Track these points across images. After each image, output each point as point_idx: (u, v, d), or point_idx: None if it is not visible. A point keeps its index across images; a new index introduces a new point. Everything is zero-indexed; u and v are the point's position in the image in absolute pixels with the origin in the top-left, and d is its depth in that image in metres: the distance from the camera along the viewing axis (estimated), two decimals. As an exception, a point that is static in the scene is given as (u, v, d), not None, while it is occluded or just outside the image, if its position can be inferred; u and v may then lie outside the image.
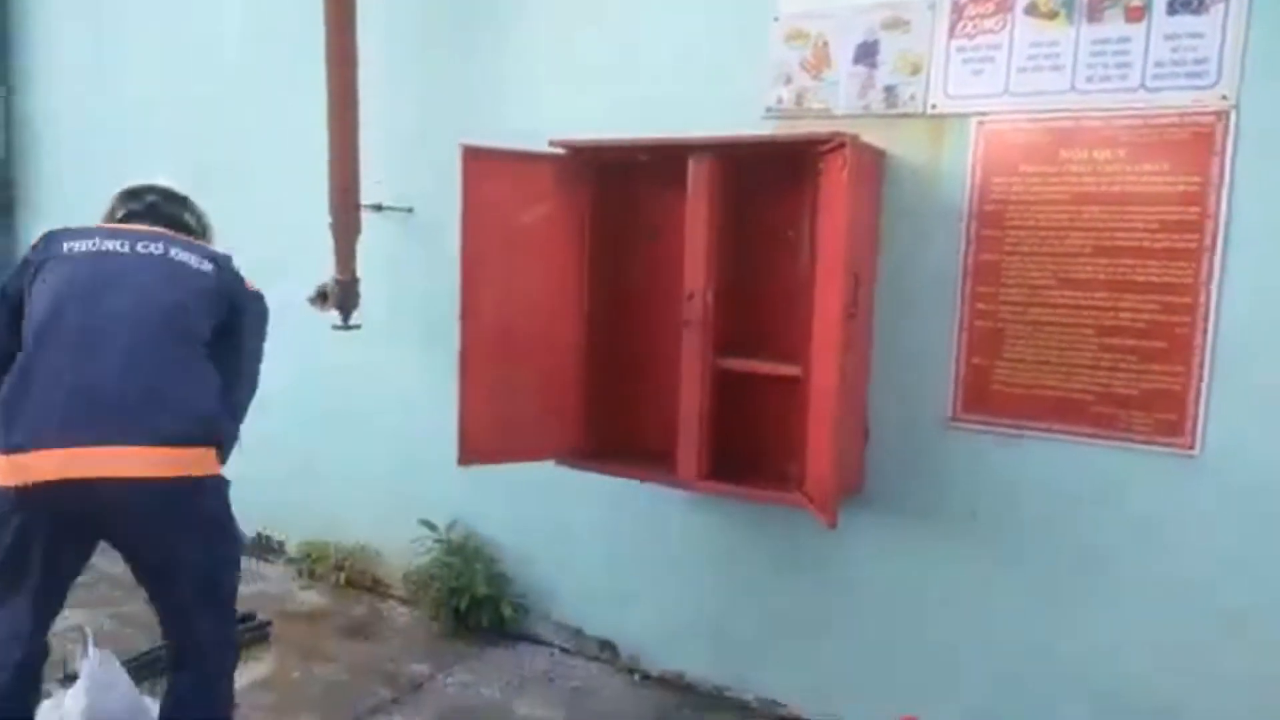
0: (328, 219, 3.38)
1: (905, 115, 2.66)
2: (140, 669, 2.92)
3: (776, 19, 2.82)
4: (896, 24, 2.66)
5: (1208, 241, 2.34)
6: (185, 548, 2.14)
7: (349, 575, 3.83)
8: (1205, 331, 2.36)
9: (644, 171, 2.94)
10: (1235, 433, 2.35)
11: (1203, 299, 2.35)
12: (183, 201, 2.52)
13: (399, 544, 3.66)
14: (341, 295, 3.42)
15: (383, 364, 3.72)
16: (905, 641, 2.80)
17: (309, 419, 3.98)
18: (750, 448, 2.90)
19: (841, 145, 2.35)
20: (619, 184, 2.99)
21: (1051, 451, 2.56)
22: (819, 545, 2.86)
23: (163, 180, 2.57)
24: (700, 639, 3.14)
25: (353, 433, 3.85)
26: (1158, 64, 2.37)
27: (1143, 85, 2.38)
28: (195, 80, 4.15)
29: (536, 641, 3.44)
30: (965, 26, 2.57)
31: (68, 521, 2.08)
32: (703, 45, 2.94)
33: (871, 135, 2.61)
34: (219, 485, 2.20)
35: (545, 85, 3.23)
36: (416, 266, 3.55)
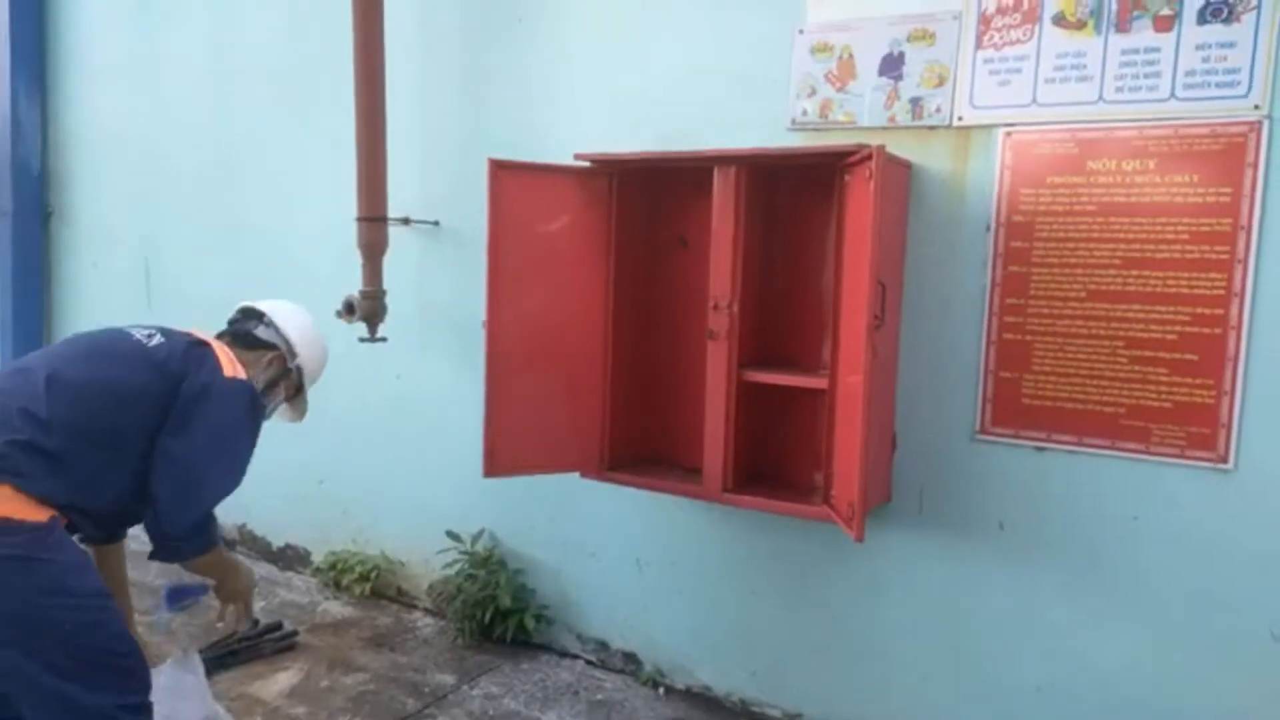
0: (355, 231, 3.41)
1: (931, 127, 2.65)
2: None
3: (802, 31, 2.82)
4: (922, 36, 2.65)
5: (1240, 253, 2.31)
6: None
7: (374, 586, 3.85)
8: (1237, 344, 2.33)
9: (670, 184, 2.95)
10: (1271, 447, 2.31)
11: (1234, 311, 2.32)
12: (258, 317, 2.50)
13: (424, 555, 3.68)
14: (368, 307, 3.45)
15: (409, 376, 3.75)
16: (933, 653, 2.77)
17: (335, 431, 4.01)
18: (777, 459, 2.90)
19: (868, 157, 2.35)
20: (645, 196, 3.00)
21: (1081, 465, 2.53)
22: (846, 557, 2.85)
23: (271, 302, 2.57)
24: (726, 652, 3.13)
25: (379, 445, 3.88)
26: (1188, 74, 2.35)
27: (1173, 95, 2.37)
28: (230, 96, 4.22)
29: (561, 654, 3.44)
30: (992, 37, 2.57)
31: None
32: (728, 58, 2.95)
33: (897, 147, 2.61)
34: None
35: (571, 99, 3.26)
36: (443, 279, 3.58)
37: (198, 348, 2.24)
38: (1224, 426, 2.35)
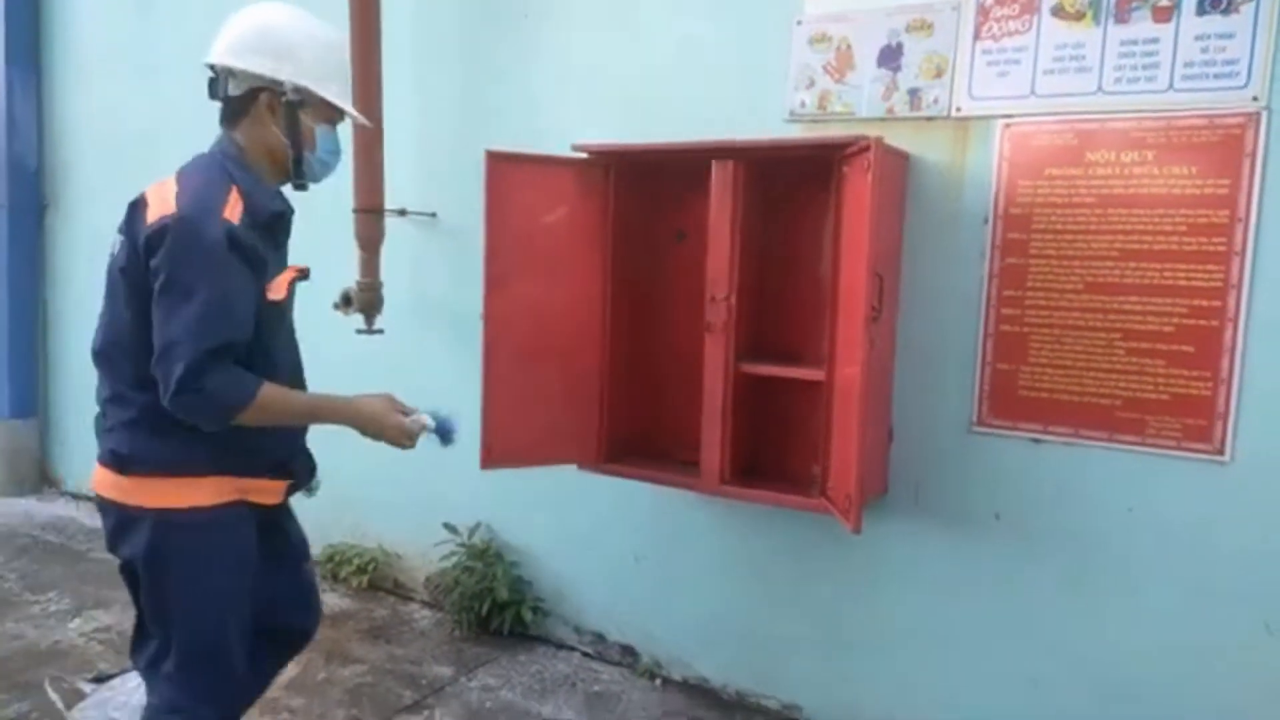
0: (351, 223, 3.41)
1: (929, 118, 2.65)
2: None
3: (800, 22, 2.82)
4: (920, 26, 2.65)
5: (1237, 245, 2.31)
6: None
7: (372, 578, 3.85)
8: (1234, 336, 2.33)
9: (667, 175, 2.95)
10: (1267, 439, 2.32)
11: (1232, 303, 2.32)
12: (222, 74, 1.98)
13: (422, 547, 3.68)
14: (365, 299, 3.44)
15: (406, 368, 3.74)
16: (929, 645, 2.78)
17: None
18: (774, 451, 2.90)
19: (866, 149, 2.34)
20: (642, 188, 3.00)
21: (1078, 457, 2.53)
22: (843, 548, 2.85)
23: (223, 32, 2.02)
24: (723, 643, 3.13)
25: (376, 436, 3.87)
26: (1187, 65, 2.34)
27: (1171, 87, 2.36)
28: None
29: (559, 646, 3.45)
30: (990, 28, 2.56)
31: None
32: (726, 49, 2.94)
33: (895, 138, 2.60)
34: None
35: (569, 90, 3.25)
36: (440, 271, 3.58)
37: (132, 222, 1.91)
38: (1220, 419, 2.35)
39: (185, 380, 1.75)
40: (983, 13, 2.56)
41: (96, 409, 2.01)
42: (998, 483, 2.64)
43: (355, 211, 3.39)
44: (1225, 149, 2.31)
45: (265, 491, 2.07)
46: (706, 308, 2.71)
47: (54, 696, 2.92)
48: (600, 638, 3.38)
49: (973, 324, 2.63)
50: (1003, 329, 2.60)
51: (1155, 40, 2.37)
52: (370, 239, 3.43)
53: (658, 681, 3.22)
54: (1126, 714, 2.51)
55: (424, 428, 2.13)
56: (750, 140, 2.68)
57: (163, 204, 1.83)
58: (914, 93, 2.66)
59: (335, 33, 2.13)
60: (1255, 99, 2.27)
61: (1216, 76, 2.31)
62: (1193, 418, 2.39)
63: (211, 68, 2.00)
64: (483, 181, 2.77)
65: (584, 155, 2.91)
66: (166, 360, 1.77)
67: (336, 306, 3.45)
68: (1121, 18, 2.41)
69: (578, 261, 2.95)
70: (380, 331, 3.50)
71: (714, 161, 2.66)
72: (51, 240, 5.03)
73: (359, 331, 3.48)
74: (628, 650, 3.32)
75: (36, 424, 5.17)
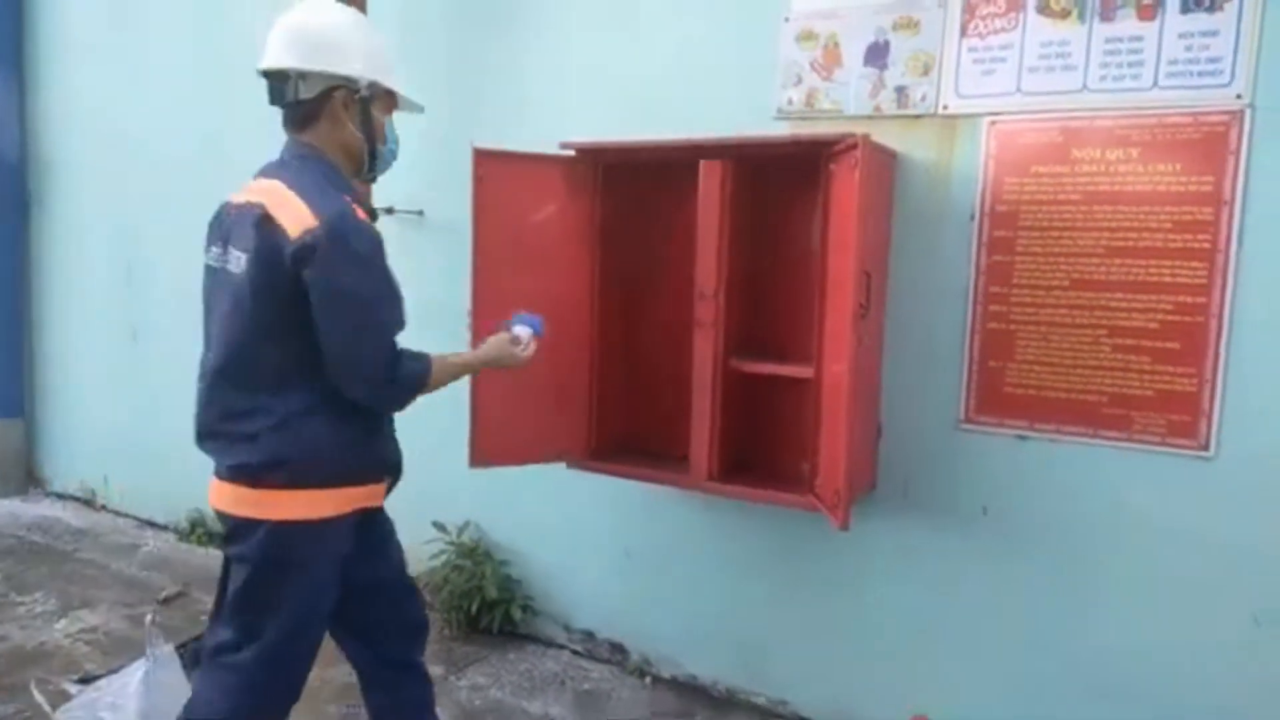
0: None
1: (917, 116, 2.65)
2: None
3: (787, 20, 2.82)
4: (907, 24, 2.65)
5: (1221, 242, 2.32)
6: None
7: (361, 577, 3.84)
8: (1219, 332, 2.34)
9: (655, 173, 2.95)
10: (1250, 434, 2.33)
11: (1216, 299, 2.34)
12: (284, 78, 1.98)
13: (410, 546, 3.60)
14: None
15: (394, 366, 3.73)
16: (917, 640, 2.79)
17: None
18: (763, 448, 2.90)
19: (853, 146, 2.35)
20: (630, 185, 2.99)
21: (1064, 453, 2.55)
22: (831, 545, 2.86)
23: (280, 28, 1.99)
24: (711, 641, 3.14)
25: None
26: (1171, 63, 2.35)
27: (1156, 84, 2.37)
28: (213, 83, 4.18)
29: (548, 644, 3.45)
30: (976, 26, 2.57)
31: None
32: (714, 47, 2.94)
33: (883, 136, 2.61)
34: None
35: (556, 88, 3.24)
36: (428, 269, 3.55)
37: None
38: (1205, 414, 2.37)
39: (386, 374, 1.94)
40: (969, 10, 2.57)
41: (201, 428, 2.01)
42: (985, 479, 2.65)
43: (342, 209, 3.38)
44: (1209, 146, 2.32)
45: (376, 495, 2.15)
46: (695, 304, 2.71)
47: (40, 698, 2.91)
48: (589, 636, 3.38)
49: (960, 321, 2.64)
50: (989, 326, 2.61)
51: (1140, 38, 2.38)
52: (357, 237, 3.41)
53: (647, 679, 3.22)
54: (1115, 707, 2.53)
55: (528, 342, 2.32)
56: (738, 138, 2.68)
57: (300, 217, 1.87)
58: (901, 90, 2.67)
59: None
60: (1239, 96, 2.28)
61: (1200, 74, 2.32)
62: (1178, 413, 2.41)
63: (268, 74, 2.01)
64: (470, 179, 2.77)
65: (572, 153, 2.90)
66: (359, 361, 1.92)
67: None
68: (1106, 15, 2.42)
69: (566, 259, 2.95)
70: (368, 330, 3.48)
71: (702, 159, 2.66)
72: (36, 237, 4.99)
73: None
74: (617, 648, 3.32)
75: (22, 424, 5.13)
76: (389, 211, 3.51)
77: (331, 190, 1.94)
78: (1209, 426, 2.37)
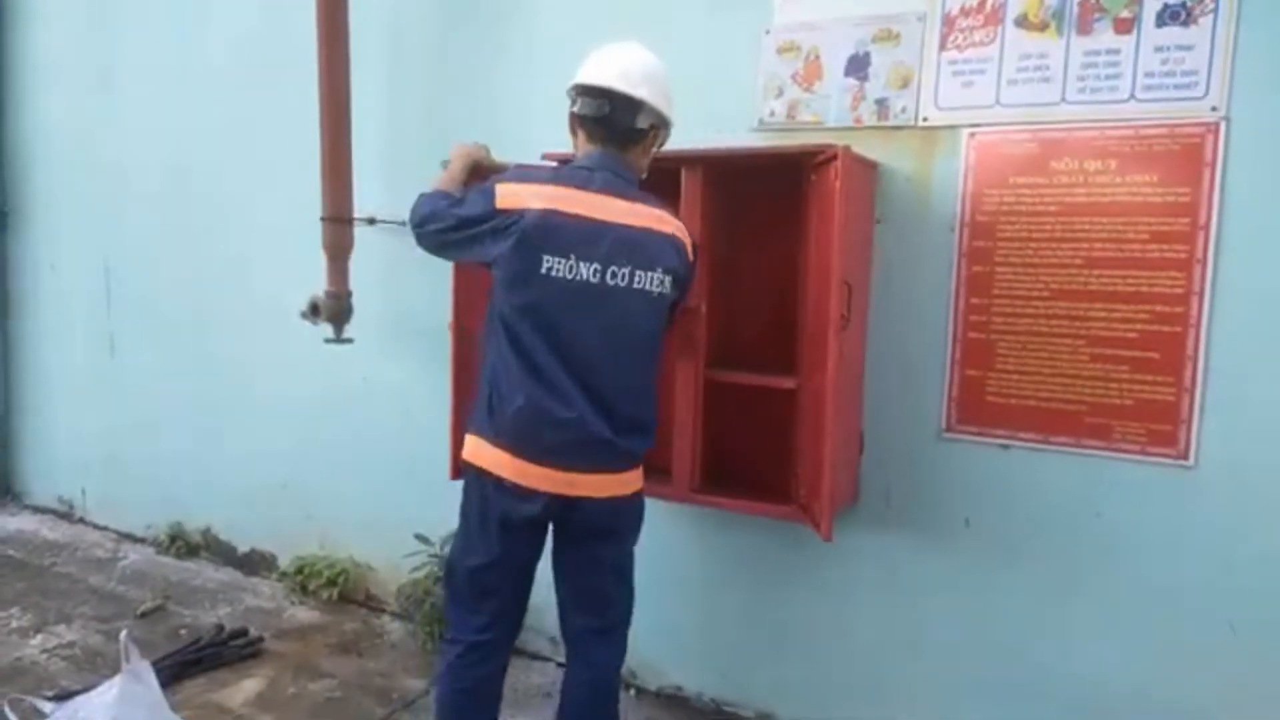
0: (320, 232, 3.37)
1: (897, 127, 2.67)
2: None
3: (768, 32, 2.83)
4: (887, 37, 2.67)
5: (1199, 252, 2.34)
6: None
7: (342, 590, 3.81)
8: (1197, 341, 2.36)
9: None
10: (1230, 443, 2.35)
11: (1194, 309, 2.36)
12: (633, 105, 2.22)
13: (393, 559, 3.64)
14: (333, 308, 3.41)
15: (375, 378, 3.71)
16: (902, 652, 2.79)
17: (300, 433, 3.96)
18: (746, 459, 2.90)
19: (834, 157, 2.35)
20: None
21: (1045, 462, 2.56)
22: (815, 556, 2.86)
23: (633, 62, 2.27)
24: (697, 653, 3.13)
25: (345, 448, 3.84)
26: (1148, 75, 2.38)
27: (1133, 97, 2.40)
28: (191, 95, 4.15)
29: (532, 657, 3.42)
30: (955, 39, 2.59)
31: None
32: (695, 58, 2.94)
33: (863, 147, 2.62)
34: None
35: (540, 98, 3.23)
36: (410, 280, 3.55)
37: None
38: (1184, 423, 2.39)
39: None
40: (948, 23, 2.59)
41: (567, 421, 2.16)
42: (968, 488, 2.66)
43: (323, 220, 3.36)
44: (1186, 158, 2.34)
45: None
46: (677, 316, 2.70)
47: (12, 717, 2.86)
48: (573, 648, 3.36)
49: (941, 331, 2.66)
50: (970, 336, 2.62)
51: (1117, 51, 2.41)
52: (338, 248, 3.40)
53: (632, 692, 3.20)
54: (1096, 717, 2.53)
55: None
56: (719, 149, 2.68)
57: (682, 234, 2.30)
58: (881, 102, 2.69)
59: None
60: (1214, 109, 2.31)
61: (1176, 87, 2.35)
62: (1158, 423, 2.42)
63: (606, 93, 2.22)
64: (452, 190, 2.75)
65: (554, 164, 2.89)
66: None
67: (304, 316, 3.42)
68: (1084, 29, 2.44)
69: (548, 270, 2.93)
70: (350, 341, 3.47)
71: (683, 170, 2.66)
72: (12, 250, 4.94)
73: (327, 341, 3.44)
74: (601, 660, 3.30)
75: (-2, 437, 5.07)
76: (370, 222, 3.50)
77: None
78: (1189, 436, 2.39)
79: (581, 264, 2.13)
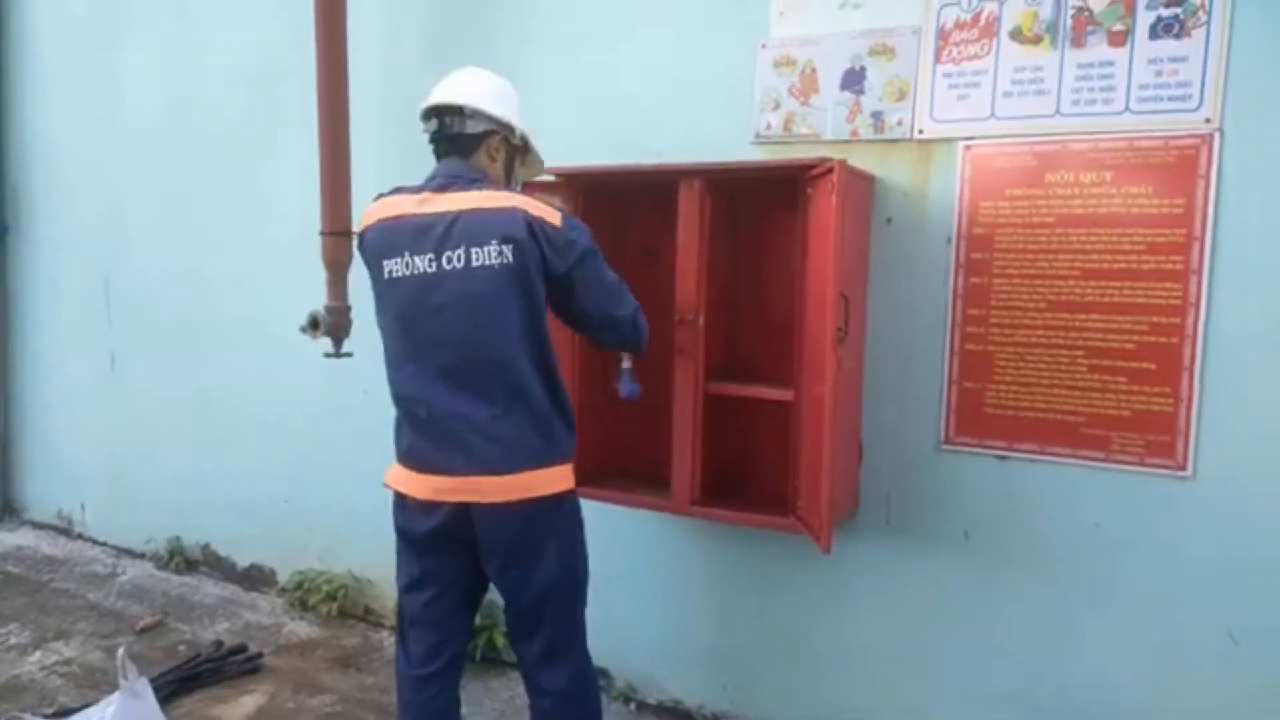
0: (318, 246, 3.38)
1: (893, 140, 2.68)
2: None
3: (765, 46, 2.85)
4: (882, 50, 2.68)
5: (1194, 263, 2.35)
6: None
7: (341, 605, 3.80)
8: (1193, 353, 2.37)
9: (635, 198, 2.96)
10: (1227, 454, 2.35)
11: (1190, 320, 2.36)
12: (458, 113, 2.27)
13: (392, 573, 3.61)
14: (332, 322, 3.41)
15: (376, 392, 3.70)
16: (902, 663, 2.79)
17: (299, 448, 3.97)
18: (745, 471, 2.90)
19: (830, 170, 2.36)
20: (610, 210, 3.00)
21: (1043, 473, 2.56)
22: (814, 568, 2.85)
23: (459, 80, 2.33)
24: (696, 665, 3.12)
25: (344, 462, 3.84)
26: (1141, 87, 2.39)
27: (1127, 109, 2.41)
28: (191, 111, 4.17)
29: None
30: (951, 52, 2.60)
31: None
32: (692, 72, 2.97)
33: (859, 160, 2.63)
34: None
35: (536, 112, 3.24)
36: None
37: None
38: (1182, 434, 2.39)
39: None
40: (943, 37, 2.61)
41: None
42: (966, 500, 2.66)
43: (322, 235, 3.37)
44: (1180, 169, 2.35)
45: None
46: (675, 330, 2.71)
47: (11, 734, 2.86)
48: (573, 661, 3.35)
49: (939, 343, 2.66)
50: (968, 347, 2.63)
51: (1111, 64, 2.42)
52: (338, 262, 3.40)
53: (632, 705, 3.20)
54: (1097, 729, 2.53)
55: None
56: (716, 162, 2.70)
57: (531, 207, 2.21)
58: (877, 115, 2.70)
59: None
60: (1208, 121, 2.32)
61: (1170, 99, 2.36)
62: (1155, 434, 2.43)
63: (445, 108, 2.29)
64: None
65: (551, 178, 2.91)
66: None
67: (303, 330, 3.42)
68: (1078, 41, 2.46)
69: (546, 284, 2.94)
70: (349, 355, 3.47)
71: (681, 184, 2.68)
72: (12, 264, 4.95)
73: (327, 355, 3.44)
74: (601, 673, 3.29)
75: (-3, 452, 5.07)
76: (369, 236, 3.50)
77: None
78: (1186, 446, 2.39)
79: (415, 258, 2.16)
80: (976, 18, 2.56)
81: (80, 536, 4.78)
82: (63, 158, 4.70)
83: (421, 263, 2.15)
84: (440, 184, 2.22)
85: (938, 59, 2.62)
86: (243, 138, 4.01)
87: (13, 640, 3.58)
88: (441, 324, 2.15)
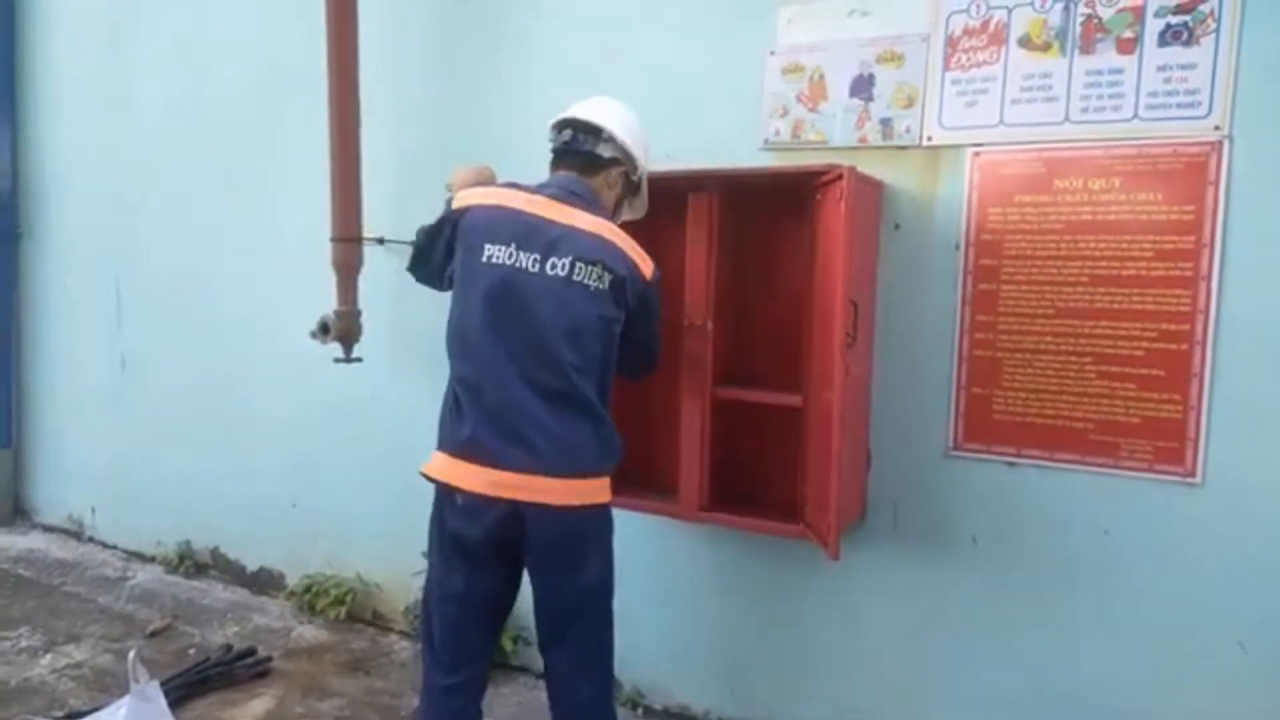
0: (328, 252, 3.40)
1: (901, 147, 2.69)
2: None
3: (773, 52, 2.86)
4: (891, 57, 2.69)
5: (1203, 270, 2.35)
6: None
7: (350, 609, 3.81)
8: (1203, 359, 2.36)
9: (643, 204, 2.96)
10: (1237, 461, 2.35)
11: (1200, 327, 2.36)
12: (596, 133, 2.35)
13: (400, 577, 3.64)
14: (343, 328, 3.43)
15: (384, 396, 3.73)
16: (909, 669, 2.78)
17: (309, 452, 3.98)
18: (753, 477, 2.90)
19: (839, 177, 2.37)
20: (618, 216, 3.01)
21: (1052, 480, 2.56)
22: (822, 574, 2.85)
23: (604, 104, 2.42)
24: (704, 670, 3.12)
25: (353, 466, 3.85)
26: (1150, 95, 2.39)
27: (1136, 116, 2.41)
28: (202, 117, 4.20)
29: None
30: (959, 59, 2.61)
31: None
32: (700, 78, 2.98)
33: (868, 167, 2.64)
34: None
35: (544, 119, 3.26)
36: (418, 299, 3.55)
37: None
38: (1191, 441, 2.39)
39: None
40: (951, 44, 2.61)
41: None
42: (974, 506, 2.66)
43: (332, 240, 3.39)
44: (1189, 176, 2.35)
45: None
46: (684, 335, 2.72)
47: (23, 737, 2.87)
48: (581, 666, 3.35)
49: (947, 349, 2.66)
50: (976, 353, 2.63)
51: (1120, 71, 2.43)
52: (347, 267, 3.42)
53: (639, 710, 3.20)
54: (1106, 736, 2.52)
55: None
56: (725, 169, 2.71)
57: (636, 254, 2.34)
58: (886, 122, 2.71)
59: None
60: (1217, 128, 2.32)
61: (1179, 106, 2.36)
62: (1164, 440, 2.42)
63: (586, 124, 2.37)
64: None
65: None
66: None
67: (313, 335, 3.44)
68: (1087, 49, 2.46)
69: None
70: (359, 360, 3.49)
71: (690, 190, 2.68)
72: (26, 268, 4.99)
73: (336, 360, 3.46)
74: (609, 679, 3.29)
75: (10, 455, 5.10)
76: (380, 242, 3.53)
77: None
78: (1195, 453, 2.39)
79: (521, 253, 2.19)
80: (985, 25, 2.57)
81: (91, 540, 4.80)
82: (75, 164, 4.73)
83: (526, 259, 2.19)
84: (555, 194, 2.27)
85: (946, 66, 2.62)
86: (252, 143, 4.03)
87: (24, 643, 3.60)
88: (528, 321, 2.18)
